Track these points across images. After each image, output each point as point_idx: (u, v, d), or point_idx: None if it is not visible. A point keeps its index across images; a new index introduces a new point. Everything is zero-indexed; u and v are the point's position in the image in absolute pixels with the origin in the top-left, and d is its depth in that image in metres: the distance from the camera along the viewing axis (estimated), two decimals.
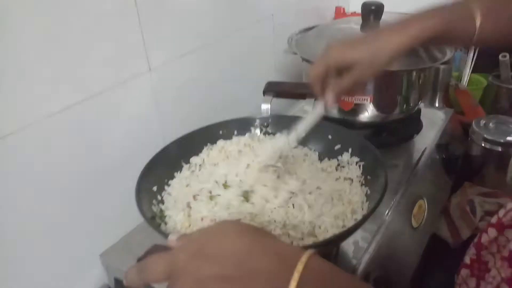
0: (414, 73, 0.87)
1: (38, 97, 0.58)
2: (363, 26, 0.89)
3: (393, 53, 0.54)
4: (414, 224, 0.74)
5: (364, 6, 0.88)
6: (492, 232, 0.61)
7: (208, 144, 0.72)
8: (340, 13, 1.35)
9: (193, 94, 0.85)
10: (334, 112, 0.90)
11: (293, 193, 0.58)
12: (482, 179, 0.95)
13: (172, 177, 0.66)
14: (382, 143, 0.90)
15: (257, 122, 0.76)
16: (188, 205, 0.59)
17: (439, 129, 0.95)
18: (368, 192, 0.60)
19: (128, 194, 0.58)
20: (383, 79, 0.84)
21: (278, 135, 0.71)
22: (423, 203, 0.78)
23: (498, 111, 1.02)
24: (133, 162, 0.64)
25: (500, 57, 1.10)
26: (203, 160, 0.68)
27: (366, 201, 0.59)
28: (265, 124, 0.76)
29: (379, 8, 0.87)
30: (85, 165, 0.67)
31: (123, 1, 0.66)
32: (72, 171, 0.65)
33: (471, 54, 1.18)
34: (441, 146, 0.91)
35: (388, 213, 0.71)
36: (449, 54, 0.86)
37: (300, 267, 0.33)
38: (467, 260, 0.64)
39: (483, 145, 0.94)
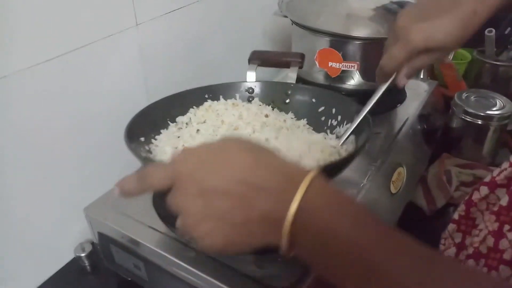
0: None
1: (24, 47, 0.57)
2: None
3: (475, 29, 0.50)
4: (393, 190, 0.76)
5: None
6: (484, 190, 0.62)
7: (194, 106, 0.72)
8: None
9: (180, 53, 0.85)
10: (320, 78, 0.90)
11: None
12: (460, 151, 0.98)
13: (159, 133, 0.67)
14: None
15: (243, 87, 0.76)
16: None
17: (422, 100, 0.97)
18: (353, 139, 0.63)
19: (112, 149, 0.58)
20: (372, 47, 0.85)
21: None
22: (403, 170, 0.80)
23: (481, 86, 1.04)
24: (118, 116, 0.64)
25: (486, 32, 1.11)
26: (190, 118, 0.68)
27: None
28: (251, 90, 0.76)
29: None
30: (70, 118, 0.67)
31: None
32: (57, 124, 0.65)
33: None
34: (423, 117, 0.93)
35: (368, 178, 0.72)
36: None
37: (303, 186, 0.34)
38: (455, 216, 0.66)
39: (463, 117, 0.96)
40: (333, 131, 0.69)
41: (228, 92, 0.75)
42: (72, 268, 0.74)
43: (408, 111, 0.93)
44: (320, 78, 0.91)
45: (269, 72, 0.97)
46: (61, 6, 0.60)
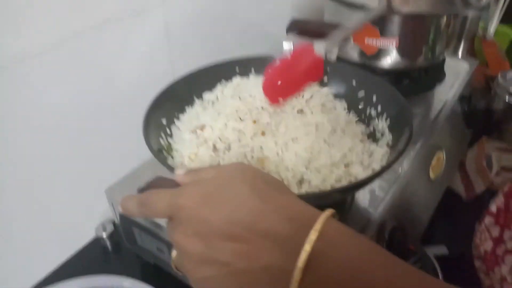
0: (445, 19, 0.81)
1: (47, 24, 0.54)
2: None
3: None
4: (432, 176, 0.71)
5: None
6: None
7: (223, 80, 0.68)
8: None
9: (207, 29, 0.80)
10: (355, 56, 0.85)
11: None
12: (502, 134, 0.92)
13: (183, 111, 0.63)
14: (403, 91, 0.85)
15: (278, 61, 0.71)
16: (196, 132, 0.56)
17: (462, 81, 0.90)
18: (390, 143, 0.57)
19: (135, 129, 0.55)
20: (411, 23, 0.79)
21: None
22: (442, 155, 0.75)
23: None
24: (142, 95, 0.60)
25: None
26: (217, 96, 0.64)
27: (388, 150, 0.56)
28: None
29: None
30: (93, 97, 0.64)
31: None
32: (80, 103, 0.62)
33: (501, 4, 1.10)
34: (464, 98, 0.87)
35: (407, 162, 0.68)
36: (484, 1, 0.80)
37: (313, 237, 0.30)
38: (493, 208, 0.61)
39: (506, 99, 0.89)
40: (370, 124, 0.63)
41: (261, 66, 0.70)
42: (94, 247, 0.72)
43: (447, 91, 0.87)
44: (353, 55, 0.85)
45: None
46: None
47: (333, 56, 0.70)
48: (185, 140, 0.56)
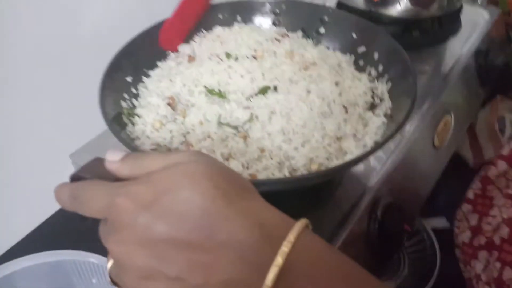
0: None
1: None
2: None
3: None
4: (437, 143, 0.64)
5: None
6: (502, 165, 0.53)
7: (202, 30, 0.59)
8: None
9: None
10: (360, 2, 0.75)
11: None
12: None
13: (153, 67, 0.55)
14: (411, 43, 0.77)
15: (268, 7, 0.61)
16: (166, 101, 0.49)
17: (480, 32, 0.80)
18: (389, 111, 0.49)
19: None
20: None
21: None
22: (450, 119, 0.67)
23: None
24: (114, 44, 0.52)
25: None
26: (194, 49, 0.56)
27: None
28: (277, 11, 0.61)
29: None
30: (60, 44, 0.57)
31: None
32: (44, 49, 0.55)
33: None
34: (480, 52, 0.77)
35: (409, 129, 0.60)
36: None
37: (285, 249, 0.25)
38: (470, 195, 0.57)
39: None
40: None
41: (247, 12, 0.61)
42: (62, 217, 0.66)
43: (463, 44, 0.77)
44: (359, 1, 0.75)
45: None
46: None
47: (333, 4, 0.61)
48: (151, 103, 0.49)
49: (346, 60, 0.56)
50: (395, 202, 0.54)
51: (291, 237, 0.26)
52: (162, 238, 0.26)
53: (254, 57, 0.52)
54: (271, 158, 0.44)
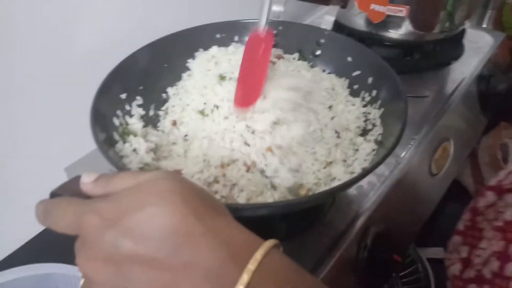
0: None
1: None
2: None
3: None
4: (434, 170, 0.62)
5: None
6: (490, 196, 0.52)
7: (200, 50, 0.59)
8: None
9: None
10: (360, 24, 0.74)
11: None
12: None
13: (149, 84, 0.55)
14: (412, 67, 0.76)
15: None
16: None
17: (483, 57, 0.79)
18: (380, 137, 0.48)
19: None
20: None
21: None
22: (449, 146, 0.65)
23: None
24: (111, 62, 0.52)
25: None
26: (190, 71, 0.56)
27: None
28: (274, 32, 0.61)
29: None
30: (57, 58, 0.57)
31: None
32: (41, 64, 0.55)
33: None
34: (483, 77, 0.76)
35: (405, 154, 0.59)
36: None
37: (251, 267, 0.25)
38: (460, 226, 0.55)
39: None
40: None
41: (245, 32, 0.61)
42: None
43: (465, 69, 0.76)
44: (359, 23, 0.75)
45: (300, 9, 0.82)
46: None
47: (328, 26, 0.61)
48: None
49: (340, 84, 0.56)
50: (387, 231, 0.52)
51: (258, 255, 0.25)
52: (127, 255, 0.25)
53: None
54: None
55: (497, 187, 0.52)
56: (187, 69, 0.58)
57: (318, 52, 0.59)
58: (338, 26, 0.78)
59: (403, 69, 0.75)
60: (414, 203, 0.61)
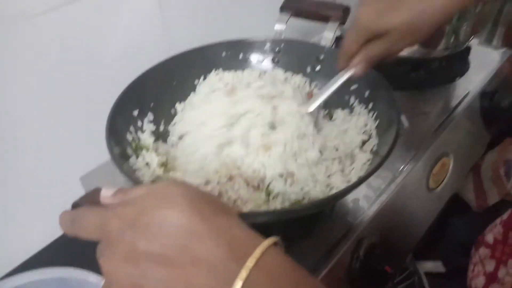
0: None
1: None
2: None
3: (440, 18, 0.45)
4: (432, 184, 0.64)
5: None
6: None
7: (208, 68, 0.63)
8: None
9: (201, 2, 0.74)
10: None
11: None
12: None
13: (160, 101, 0.59)
14: (417, 84, 0.78)
15: (268, 46, 0.65)
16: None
17: (489, 73, 0.81)
18: (375, 148, 0.50)
19: None
20: None
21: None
22: (448, 161, 0.67)
23: None
24: (130, 76, 0.56)
25: None
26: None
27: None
28: (277, 49, 0.65)
29: None
30: (78, 73, 0.60)
31: None
32: (63, 77, 0.59)
33: None
34: (487, 94, 0.77)
35: (402, 169, 0.61)
36: None
37: (249, 264, 0.27)
38: (489, 238, 0.55)
39: None
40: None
41: (249, 51, 0.65)
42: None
43: (469, 85, 0.78)
44: None
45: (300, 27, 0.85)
46: None
47: (327, 42, 0.63)
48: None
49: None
50: (381, 243, 0.54)
51: (257, 253, 0.28)
52: (143, 253, 0.28)
53: None
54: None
55: None
56: (195, 86, 0.62)
57: (318, 68, 0.62)
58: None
59: (408, 85, 0.78)
60: (410, 217, 0.63)
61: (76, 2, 0.56)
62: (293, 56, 0.63)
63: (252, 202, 0.47)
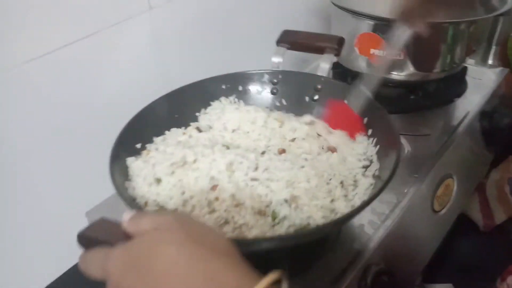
0: (463, 26, 0.73)
1: (31, 37, 0.53)
2: None
3: None
4: (437, 207, 0.64)
5: None
6: None
7: (207, 100, 0.64)
8: None
9: (198, 38, 0.76)
10: (361, 66, 0.78)
11: None
12: None
13: (161, 134, 0.59)
14: (416, 107, 0.79)
15: (266, 77, 0.66)
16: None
17: (486, 93, 0.81)
18: (377, 172, 0.50)
19: None
20: None
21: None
22: (452, 183, 0.67)
23: None
24: (129, 110, 0.57)
25: None
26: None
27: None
28: (275, 80, 0.66)
29: None
30: (77, 111, 0.61)
31: None
32: (62, 117, 0.60)
33: None
34: (486, 113, 0.78)
35: (406, 192, 0.61)
36: (509, 4, 0.71)
37: None
38: None
39: None
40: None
41: (248, 83, 0.66)
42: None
43: (468, 106, 0.78)
44: (361, 65, 0.79)
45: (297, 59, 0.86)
46: None
47: (324, 72, 0.64)
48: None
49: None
50: (388, 269, 0.54)
51: None
52: None
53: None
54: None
55: None
56: (196, 117, 0.62)
57: (316, 97, 0.63)
58: (342, 70, 0.82)
59: (408, 108, 0.79)
60: (416, 241, 0.62)
61: (73, 43, 0.58)
62: (291, 87, 0.64)
63: (258, 228, 0.47)
